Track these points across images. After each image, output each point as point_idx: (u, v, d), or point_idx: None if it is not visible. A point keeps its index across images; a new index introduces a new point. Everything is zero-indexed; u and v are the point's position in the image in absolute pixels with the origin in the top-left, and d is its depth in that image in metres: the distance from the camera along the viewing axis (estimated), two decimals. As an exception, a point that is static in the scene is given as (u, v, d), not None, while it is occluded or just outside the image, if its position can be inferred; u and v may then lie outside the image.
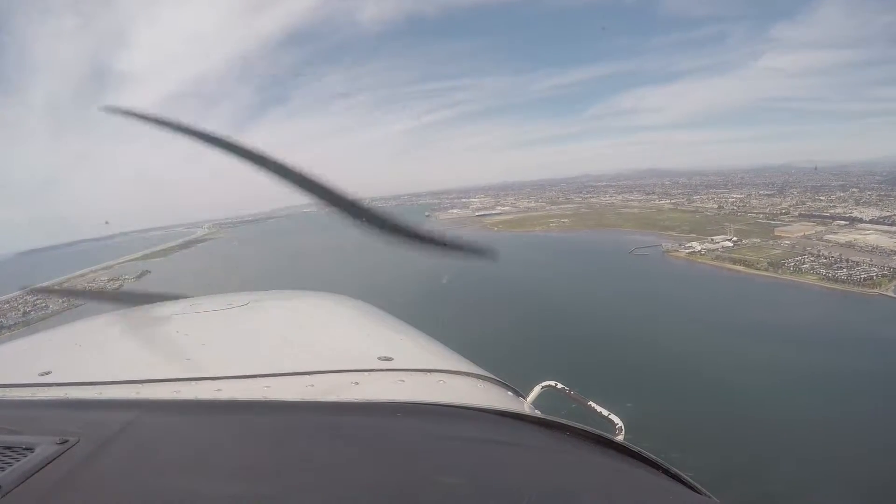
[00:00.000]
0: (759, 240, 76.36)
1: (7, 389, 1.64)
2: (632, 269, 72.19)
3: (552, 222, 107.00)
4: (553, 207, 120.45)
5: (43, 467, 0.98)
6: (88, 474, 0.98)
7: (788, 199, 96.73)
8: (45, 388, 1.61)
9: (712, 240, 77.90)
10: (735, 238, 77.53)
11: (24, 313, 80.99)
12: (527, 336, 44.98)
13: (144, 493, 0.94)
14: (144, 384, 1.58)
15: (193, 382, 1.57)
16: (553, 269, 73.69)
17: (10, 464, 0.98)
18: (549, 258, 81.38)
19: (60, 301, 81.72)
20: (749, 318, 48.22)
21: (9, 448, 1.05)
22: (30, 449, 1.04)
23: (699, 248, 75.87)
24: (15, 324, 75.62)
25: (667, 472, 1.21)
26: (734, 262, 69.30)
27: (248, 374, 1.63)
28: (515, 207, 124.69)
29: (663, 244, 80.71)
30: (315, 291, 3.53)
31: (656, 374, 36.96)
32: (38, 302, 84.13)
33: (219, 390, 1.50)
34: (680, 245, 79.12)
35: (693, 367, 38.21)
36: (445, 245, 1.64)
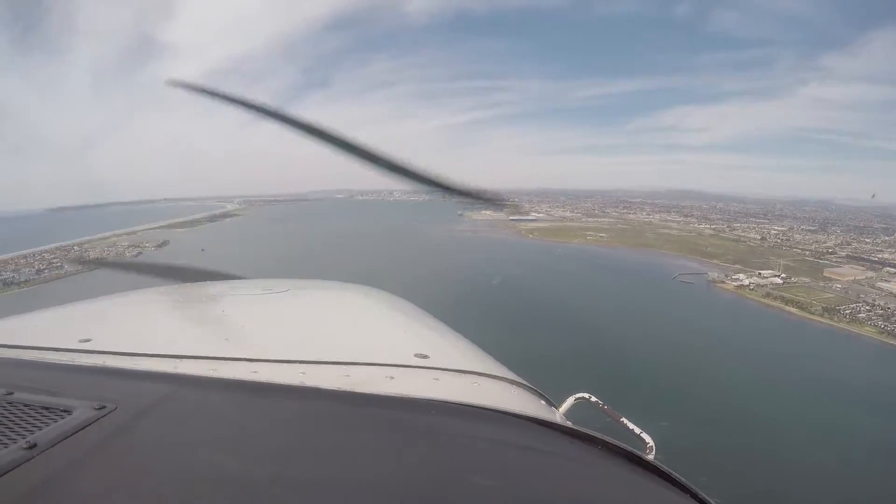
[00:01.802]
0: (808, 279, 74.10)
1: (48, 353, 1.66)
2: (677, 297, 69.55)
3: (589, 235, 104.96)
4: (589, 220, 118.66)
5: (79, 430, 1.01)
6: (123, 441, 1.00)
7: (833, 237, 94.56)
8: (85, 355, 1.62)
9: (760, 274, 75.75)
10: (783, 275, 75.32)
11: (38, 270, 80.00)
12: (570, 353, 42.73)
13: (176, 463, 0.96)
14: (182, 359, 1.59)
15: (231, 362, 1.59)
16: (595, 287, 71.44)
17: (47, 424, 1.02)
18: (589, 274, 79.47)
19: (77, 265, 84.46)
20: (812, 371, 44.99)
21: (48, 409, 1.08)
22: (67, 411, 1.07)
23: (747, 281, 73.57)
24: (27, 280, 76.03)
25: (695, 496, 1.18)
26: (785, 301, 66.92)
27: (284, 358, 1.64)
28: (550, 215, 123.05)
29: (709, 273, 78.35)
30: (355, 284, 3.60)
31: (709, 414, 34.26)
32: (55, 261, 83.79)
33: (255, 372, 1.51)
34: (726, 276, 76.67)
35: (750, 417, 35.35)
36: (468, 194, 1.82)
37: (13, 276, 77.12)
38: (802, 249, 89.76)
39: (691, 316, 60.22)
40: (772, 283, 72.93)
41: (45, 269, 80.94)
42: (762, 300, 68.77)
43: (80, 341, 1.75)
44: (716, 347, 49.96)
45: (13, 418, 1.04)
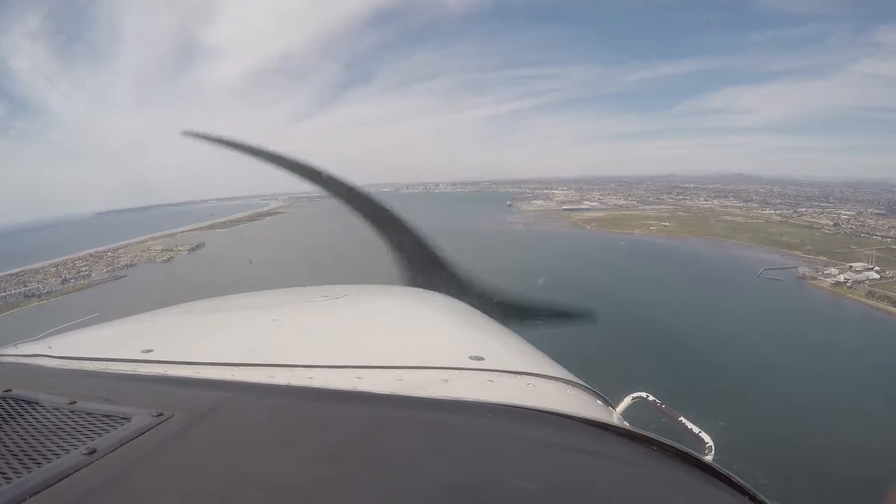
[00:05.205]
0: (905, 273, 69.66)
1: (112, 364, 1.73)
2: (769, 299, 62.70)
3: (651, 225, 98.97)
4: (646, 207, 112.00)
5: (137, 436, 1.05)
6: (180, 447, 1.04)
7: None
8: (146, 365, 1.69)
9: (852, 268, 69.94)
10: (877, 268, 69.64)
11: (64, 280, 76.10)
12: (667, 380, 33.81)
13: (229, 469, 0.98)
14: (240, 367, 1.62)
15: (287, 368, 1.61)
16: (676, 289, 65.08)
17: (107, 430, 1.08)
18: (663, 271, 72.99)
19: (104, 271, 79.87)
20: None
21: (108, 416, 1.15)
22: (127, 419, 1.13)
23: (842, 277, 67.88)
24: (49, 291, 71.52)
25: (753, 498, 1.15)
26: (893, 302, 60.58)
27: (339, 364, 1.66)
28: (603, 204, 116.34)
29: (797, 268, 72.73)
30: (411, 288, 3.60)
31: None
32: (84, 269, 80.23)
33: (310, 378, 1.52)
34: (816, 270, 71.17)
35: None
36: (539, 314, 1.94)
37: (37, 288, 72.08)
38: (883, 236, 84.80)
39: (794, 325, 52.81)
40: (869, 279, 67.26)
41: (71, 278, 76.67)
42: (866, 300, 63.04)
43: (142, 351, 1.81)
44: (839, 370, 41.81)
45: (75, 426, 1.11)
